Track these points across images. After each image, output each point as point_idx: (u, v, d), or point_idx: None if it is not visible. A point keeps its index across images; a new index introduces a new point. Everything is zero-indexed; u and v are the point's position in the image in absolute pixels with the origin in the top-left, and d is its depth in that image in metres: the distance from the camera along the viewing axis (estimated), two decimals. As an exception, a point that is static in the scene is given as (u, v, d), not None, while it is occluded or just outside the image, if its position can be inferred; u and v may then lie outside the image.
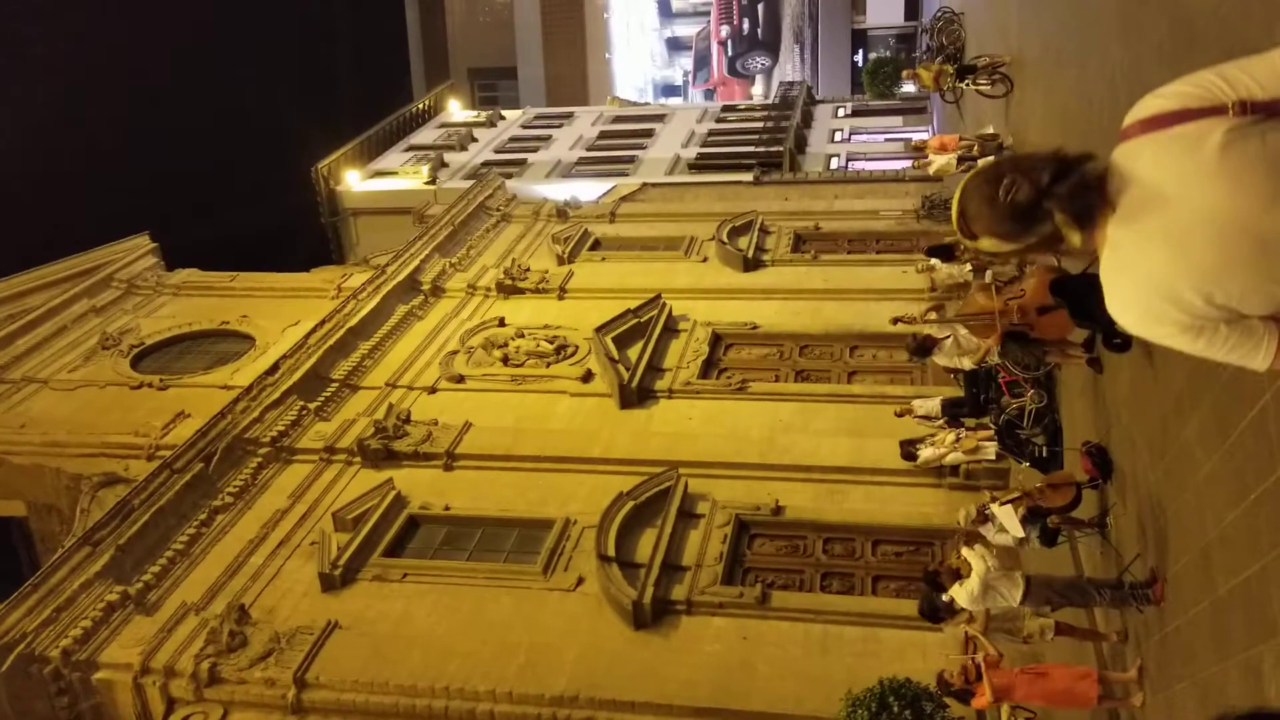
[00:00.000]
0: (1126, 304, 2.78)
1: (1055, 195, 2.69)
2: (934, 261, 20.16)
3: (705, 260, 29.57)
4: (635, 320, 24.99)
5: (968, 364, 12.35)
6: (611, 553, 17.46)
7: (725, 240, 29.30)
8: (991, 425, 13.68)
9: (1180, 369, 7.57)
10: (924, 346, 13.57)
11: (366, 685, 15.91)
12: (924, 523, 17.72)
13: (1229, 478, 6.40)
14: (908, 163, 30.37)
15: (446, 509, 19.79)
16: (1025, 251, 2.84)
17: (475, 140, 43.99)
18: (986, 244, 2.78)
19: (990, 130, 19.63)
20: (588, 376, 23.82)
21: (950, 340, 12.41)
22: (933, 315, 13.27)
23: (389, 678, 15.90)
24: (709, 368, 24.07)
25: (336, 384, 24.12)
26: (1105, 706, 9.59)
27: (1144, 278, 2.67)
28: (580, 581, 17.55)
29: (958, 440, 14.73)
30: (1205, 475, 6.93)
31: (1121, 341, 9.01)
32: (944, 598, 9.57)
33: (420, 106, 47.94)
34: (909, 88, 42.48)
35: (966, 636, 9.57)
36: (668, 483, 18.96)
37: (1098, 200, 2.70)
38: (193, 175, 47.21)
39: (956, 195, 2.86)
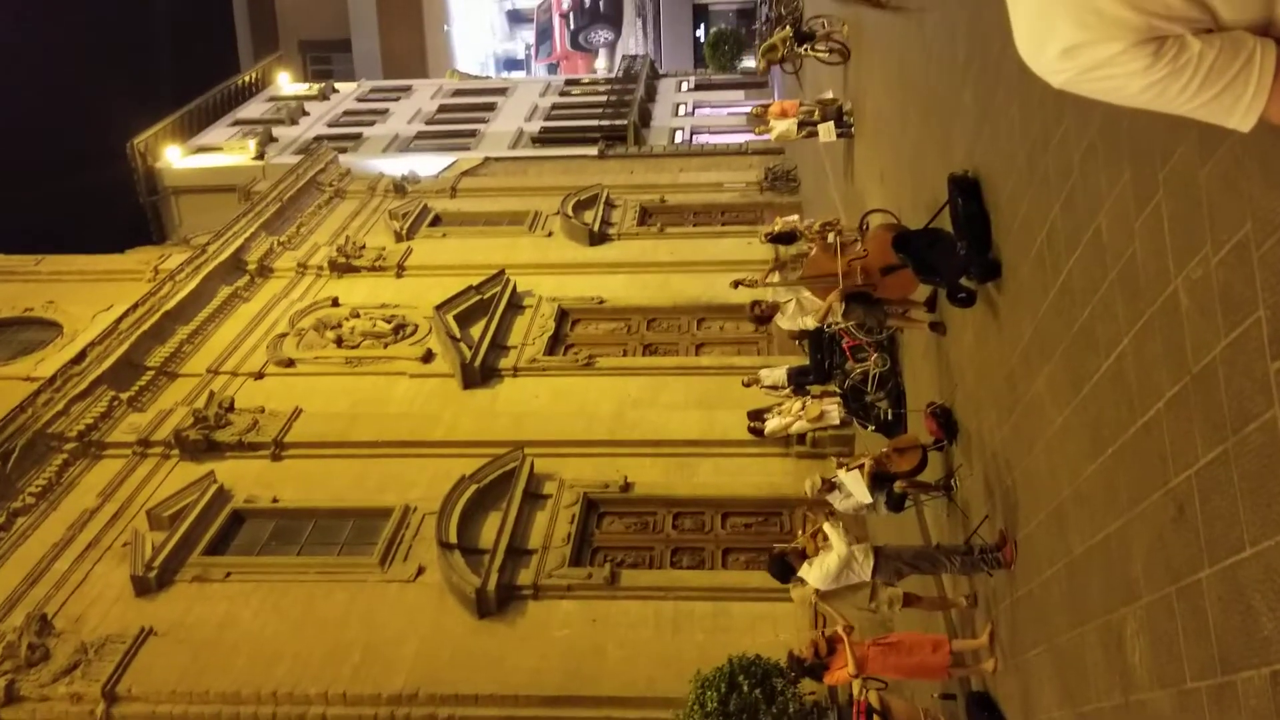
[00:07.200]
0: (1049, 20, 1.83)
1: None
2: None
3: (550, 235, 28.81)
4: (478, 297, 24.06)
5: (811, 323, 12.00)
6: (453, 539, 16.62)
7: (570, 214, 28.62)
8: (837, 391, 13.39)
9: (1027, 321, 7.22)
10: (764, 315, 13.16)
11: (185, 695, 14.70)
12: (773, 493, 17.51)
13: (1083, 432, 6.02)
14: (751, 135, 30.25)
15: (275, 501, 18.52)
16: None
17: (306, 114, 41.93)
18: None
19: (829, 95, 19.42)
20: (428, 356, 22.77)
21: (793, 303, 12.03)
22: (775, 277, 12.81)
23: (210, 686, 14.72)
24: (555, 344, 23.36)
25: (152, 372, 22.39)
26: (957, 675, 9.34)
27: None
28: (421, 571, 16.65)
29: (804, 408, 14.43)
30: (1057, 430, 6.57)
31: (966, 295, 8.68)
32: (796, 577, 9.11)
33: (247, 79, 45.40)
34: (750, 63, 42.59)
35: (816, 611, 9.16)
36: (513, 463, 18.19)
37: None
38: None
39: None
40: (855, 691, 10.14)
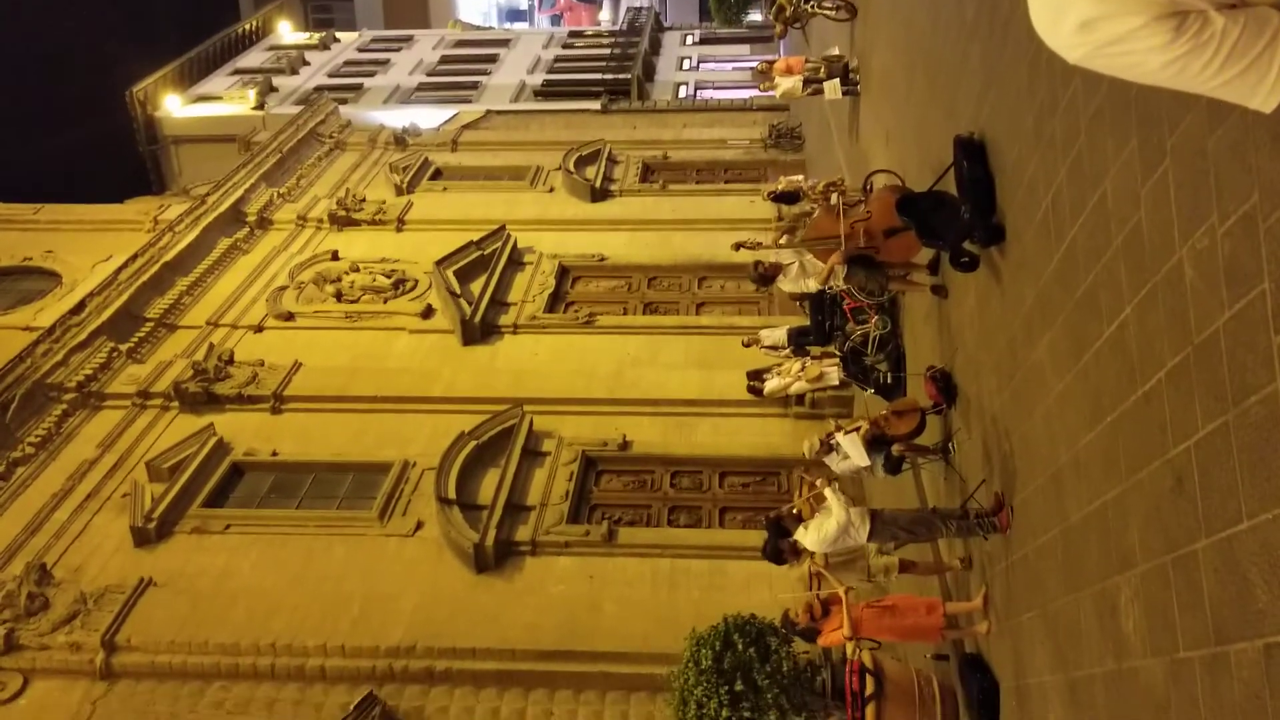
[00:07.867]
0: (1060, 4, 1.76)
1: None
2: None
3: (552, 190, 28.63)
4: (479, 253, 23.94)
5: (813, 285, 11.93)
6: (452, 495, 16.67)
7: (572, 170, 28.41)
8: (836, 353, 13.36)
9: (1029, 287, 7.17)
10: (767, 276, 13.09)
11: (184, 645, 14.81)
12: (770, 453, 17.52)
13: (1083, 399, 6.00)
14: (755, 92, 29.97)
15: (274, 454, 18.55)
16: None
17: (307, 64, 41.52)
18: None
19: (835, 52, 19.19)
20: (428, 312, 22.71)
21: (796, 265, 11.95)
22: (784, 240, 12.72)
23: (209, 636, 14.83)
24: (556, 301, 23.29)
25: (152, 323, 22.35)
26: (950, 637, 9.39)
27: None
28: (419, 526, 16.72)
29: (803, 369, 14.40)
30: (1056, 397, 6.55)
31: (969, 259, 8.62)
32: (791, 540, 9.12)
33: (247, 27, 44.89)
34: (756, 16, 42.06)
35: (811, 573, 9.20)
36: (512, 420, 18.20)
37: None
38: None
39: None
40: (849, 652, 10.22)
